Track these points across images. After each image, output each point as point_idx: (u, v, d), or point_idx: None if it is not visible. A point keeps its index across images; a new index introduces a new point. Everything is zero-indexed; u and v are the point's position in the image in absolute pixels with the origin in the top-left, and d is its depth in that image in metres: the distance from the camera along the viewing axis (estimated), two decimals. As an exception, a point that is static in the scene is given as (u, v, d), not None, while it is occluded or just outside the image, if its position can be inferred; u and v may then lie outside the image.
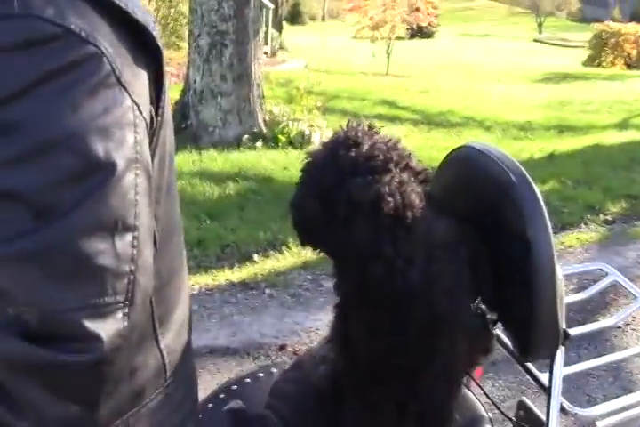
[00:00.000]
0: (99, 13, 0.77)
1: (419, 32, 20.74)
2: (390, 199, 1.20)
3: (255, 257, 4.35)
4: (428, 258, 1.27)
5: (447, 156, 1.59)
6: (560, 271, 1.43)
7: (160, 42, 0.87)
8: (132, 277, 0.79)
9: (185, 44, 9.12)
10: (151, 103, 0.86)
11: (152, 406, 0.95)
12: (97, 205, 0.76)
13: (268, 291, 3.99)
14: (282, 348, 3.38)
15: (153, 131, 0.87)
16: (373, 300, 1.29)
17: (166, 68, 0.91)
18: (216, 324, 3.60)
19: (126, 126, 0.78)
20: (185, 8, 10.20)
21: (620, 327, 3.54)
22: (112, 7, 0.78)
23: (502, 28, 27.61)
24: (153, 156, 0.86)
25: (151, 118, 0.86)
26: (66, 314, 0.74)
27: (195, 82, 7.14)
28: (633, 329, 3.63)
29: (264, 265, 4.28)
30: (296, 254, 4.38)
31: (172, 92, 6.88)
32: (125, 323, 0.79)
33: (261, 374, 1.76)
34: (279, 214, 4.95)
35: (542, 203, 1.36)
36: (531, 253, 1.34)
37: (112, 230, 0.77)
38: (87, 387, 0.80)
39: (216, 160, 6.14)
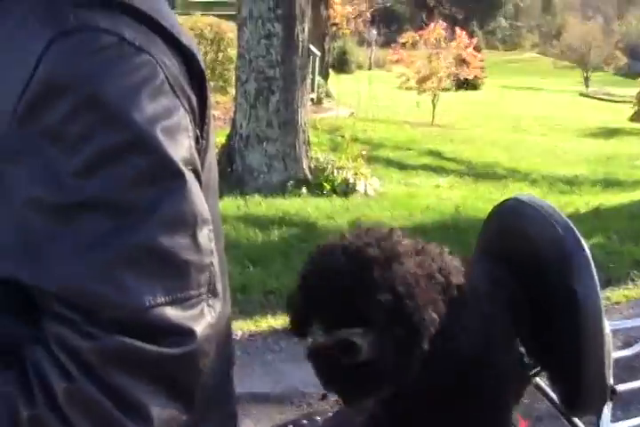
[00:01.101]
0: (150, 30, 0.81)
1: (464, 83, 20.87)
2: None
3: (298, 304, 4.33)
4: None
5: (495, 207, 1.59)
6: (608, 326, 1.41)
7: (203, 66, 0.90)
8: (212, 269, 0.83)
9: (232, 89, 9.24)
10: (196, 125, 0.88)
11: None
12: (176, 201, 0.78)
13: (310, 339, 3.95)
14: (324, 397, 3.32)
15: (199, 152, 0.89)
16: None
17: (210, 96, 0.93)
18: (258, 370, 3.57)
19: (184, 131, 0.82)
20: (233, 53, 10.36)
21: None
22: (161, 28, 0.83)
23: (548, 82, 27.63)
24: (201, 178, 0.88)
25: (197, 139, 0.88)
26: (157, 309, 0.76)
27: (241, 127, 7.19)
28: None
29: (306, 312, 4.25)
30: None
31: (219, 137, 6.98)
32: (213, 314, 0.82)
33: (305, 422, 1.74)
34: (323, 262, 4.94)
35: (590, 256, 1.35)
36: (578, 308, 1.33)
37: (193, 225, 0.80)
38: (186, 380, 0.82)
39: (260, 205, 6.17)
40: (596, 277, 1.35)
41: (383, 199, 6.84)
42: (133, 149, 0.76)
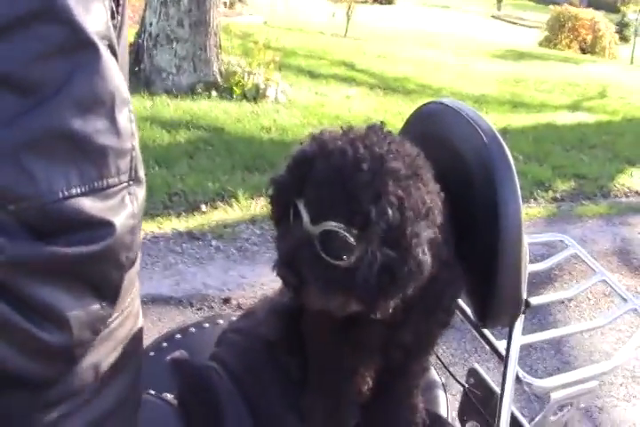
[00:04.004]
0: None
1: (380, -3, 20.65)
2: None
3: (203, 207, 4.26)
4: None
5: (416, 110, 1.50)
6: (526, 239, 1.38)
7: None
8: (133, 153, 0.75)
9: (142, -14, 8.85)
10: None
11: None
12: (91, 77, 0.69)
13: (214, 242, 3.91)
14: (226, 301, 3.33)
15: (114, 28, 0.78)
16: None
17: None
18: (160, 272, 3.52)
19: (99, 0, 0.72)
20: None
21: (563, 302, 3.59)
22: None
23: (462, 2, 27.53)
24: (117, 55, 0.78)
25: (112, 14, 0.77)
26: (70, 201, 0.69)
27: (150, 25, 6.90)
28: (576, 306, 3.67)
29: (211, 216, 4.20)
30: (245, 208, 4.31)
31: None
32: (135, 202, 0.76)
33: (207, 325, 1.70)
34: (229, 166, 4.86)
35: (513, 167, 1.30)
36: (498, 218, 1.27)
37: (110, 104, 0.71)
38: (108, 276, 0.75)
39: (168, 107, 5.98)
40: (517, 188, 1.29)
41: (293, 106, 6.75)
42: (41, 17, 0.66)
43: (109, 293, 0.76)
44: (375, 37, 13.11)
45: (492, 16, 26.61)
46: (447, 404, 1.61)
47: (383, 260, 1.05)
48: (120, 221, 0.73)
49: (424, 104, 1.51)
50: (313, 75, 8.61)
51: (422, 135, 1.45)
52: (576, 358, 3.21)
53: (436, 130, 1.45)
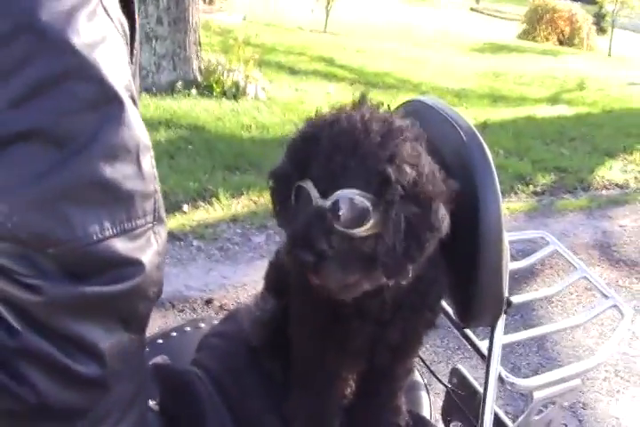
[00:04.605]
0: None
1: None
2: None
3: (184, 207, 4.24)
4: None
5: (397, 108, 1.50)
6: (507, 237, 1.38)
7: None
8: (156, 195, 0.82)
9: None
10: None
11: None
12: (118, 129, 0.75)
13: (195, 243, 3.89)
14: (208, 302, 3.31)
15: (130, 46, 0.86)
16: None
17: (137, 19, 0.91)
18: (140, 273, 3.49)
19: (121, 56, 0.79)
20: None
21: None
22: None
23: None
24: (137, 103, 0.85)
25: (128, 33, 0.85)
26: (103, 243, 0.74)
27: (129, 23, 6.85)
28: (559, 301, 3.68)
29: (193, 216, 4.18)
30: (226, 207, 4.29)
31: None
32: (159, 241, 0.82)
33: (188, 329, 1.69)
34: (210, 165, 4.84)
35: (493, 166, 1.30)
36: (479, 218, 1.27)
37: (136, 152, 0.77)
38: (137, 311, 0.81)
39: (148, 106, 5.93)
40: (497, 188, 1.29)
41: (273, 104, 6.72)
42: (72, 75, 0.72)
43: (137, 325, 0.82)
44: (354, 32, 13.09)
45: (471, 9, 26.64)
46: (430, 405, 1.61)
47: (407, 220, 1.03)
48: (148, 258, 0.79)
49: (404, 102, 1.51)
50: (293, 71, 8.59)
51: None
52: (559, 354, 3.23)
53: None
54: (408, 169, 1.04)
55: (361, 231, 1.04)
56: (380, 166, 1.03)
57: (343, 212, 1.03)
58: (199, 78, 6.90)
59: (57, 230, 0.72)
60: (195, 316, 3.13)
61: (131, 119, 0.76)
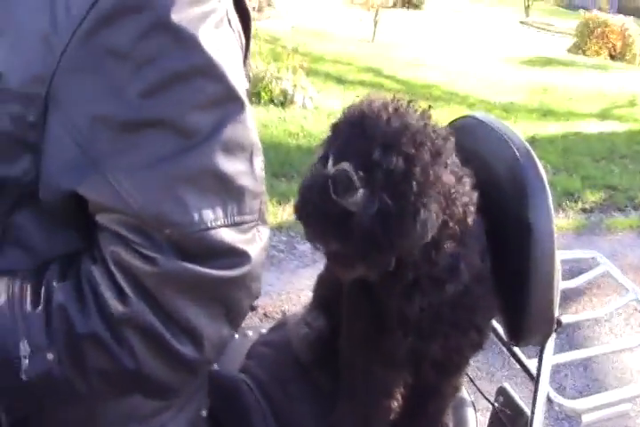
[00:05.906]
0: None
1: (407, 2, 20.54)
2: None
3: (231, 214, 4.24)
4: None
5: (449, 124, 1.50)
6: (558, 256, 1.36)
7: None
8: (263, 197, 0.87)
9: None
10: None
11: None
12: (237, 127, 0.81)
13: (241, 249, 3.89)
14: (253, 308, 3.29)
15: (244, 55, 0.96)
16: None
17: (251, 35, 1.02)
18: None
19: (241, 63, 0.88)
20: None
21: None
22: None
23: (491, 8, 27.43)
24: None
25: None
26: (215, 231, 0.79)
27: (179, 29, 6.91)
28: (606, 321, 3.61)
29: (239, 223, 4.17)
30: (272, 214, 4.29)
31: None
32: (264, 239, 0.86)
33: (236, 336, 1.69)
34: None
35: (546, 183, 1.29)
36: (531, 237, 1.26)
37: (250, 152, 0.83)
38: (239, 303, 0.85)
39: (196, 111, 5.99)
40: (550, 203, 1.29)
41: (320, 112, 6.75)
42: (201, 73, 0.79)
43: (235, 320, 0.86)
44: (402, 43, 13.07)
45: (521, 22, 26.51)
46: (477, 423, 1.59)
47: (381, 205, 1.08)
48: (255, 251, 0.83)
49: (457, 118, 1.51)
50: (340, 80, 8.61)
51: (455, 149, 1.44)
52: (606, 376, 3.16)
53: (469, 144, 1.44)
54: (395, 159, 1.08)
55: (346, 202, 1.09)
56: (372, 149, 1.09)
57: (335, 181, 1.10)
58: (247, 85, 6.92)
59: (174, 213, 0.77)
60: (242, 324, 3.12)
61: (248, 120, 0.83)
